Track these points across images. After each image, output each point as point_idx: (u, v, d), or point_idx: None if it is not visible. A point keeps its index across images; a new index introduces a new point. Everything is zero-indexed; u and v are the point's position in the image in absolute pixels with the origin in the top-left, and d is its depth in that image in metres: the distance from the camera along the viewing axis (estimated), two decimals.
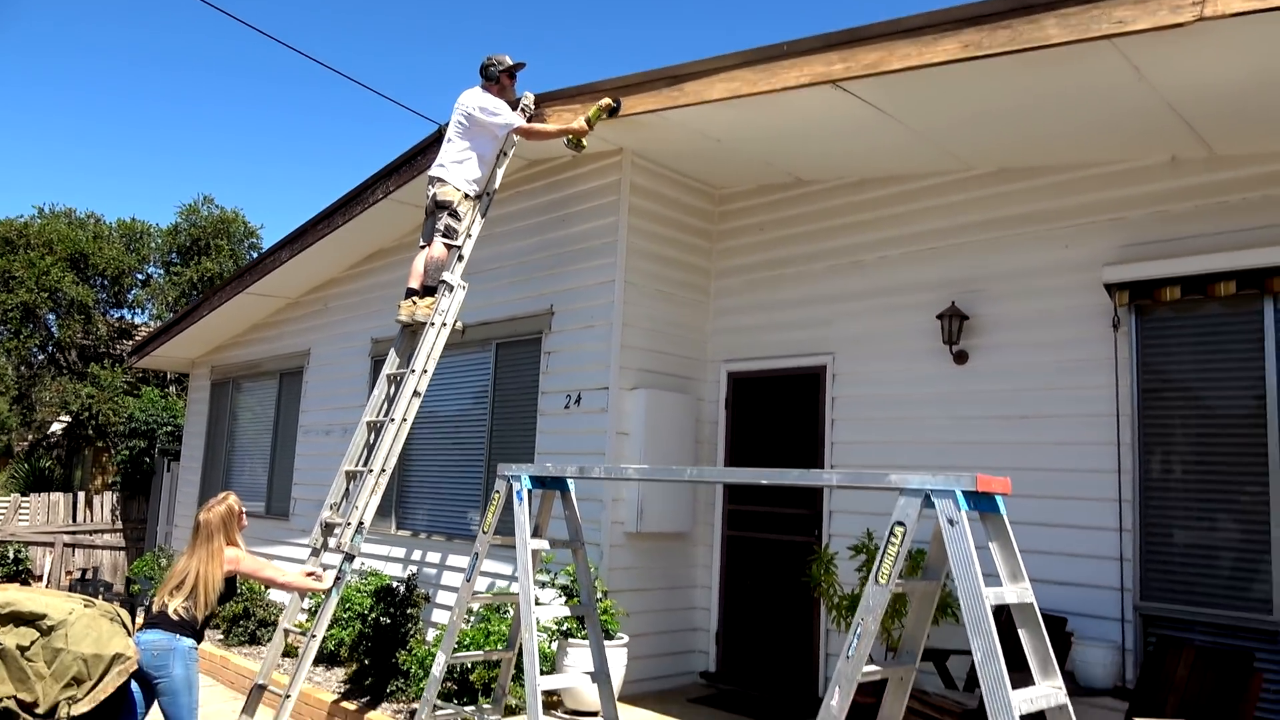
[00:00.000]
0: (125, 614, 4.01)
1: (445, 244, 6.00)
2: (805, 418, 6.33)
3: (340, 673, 6.80)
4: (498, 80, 6.20)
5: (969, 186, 5.74)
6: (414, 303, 6.01)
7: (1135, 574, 4.81)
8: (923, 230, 5.91)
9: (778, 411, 6.55)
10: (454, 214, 6.00)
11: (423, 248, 6.17)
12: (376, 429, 5.83)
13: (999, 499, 3.20)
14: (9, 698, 3.73)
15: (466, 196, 6.08)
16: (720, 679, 6.39)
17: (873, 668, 3.29)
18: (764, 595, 6.36)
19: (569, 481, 4.73)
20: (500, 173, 6.28)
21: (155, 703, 4.44)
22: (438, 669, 4.73)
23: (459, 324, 6.05)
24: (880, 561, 3.21)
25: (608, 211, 6.50)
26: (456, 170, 6.06)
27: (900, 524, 3.17)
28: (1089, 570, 4.93)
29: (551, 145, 6.31)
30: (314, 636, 5.08)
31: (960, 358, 5.60)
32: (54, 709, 3.83)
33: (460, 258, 6.09)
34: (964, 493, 3.05)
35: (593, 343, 6.45)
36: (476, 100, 6.06)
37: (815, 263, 6.44)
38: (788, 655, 6.14)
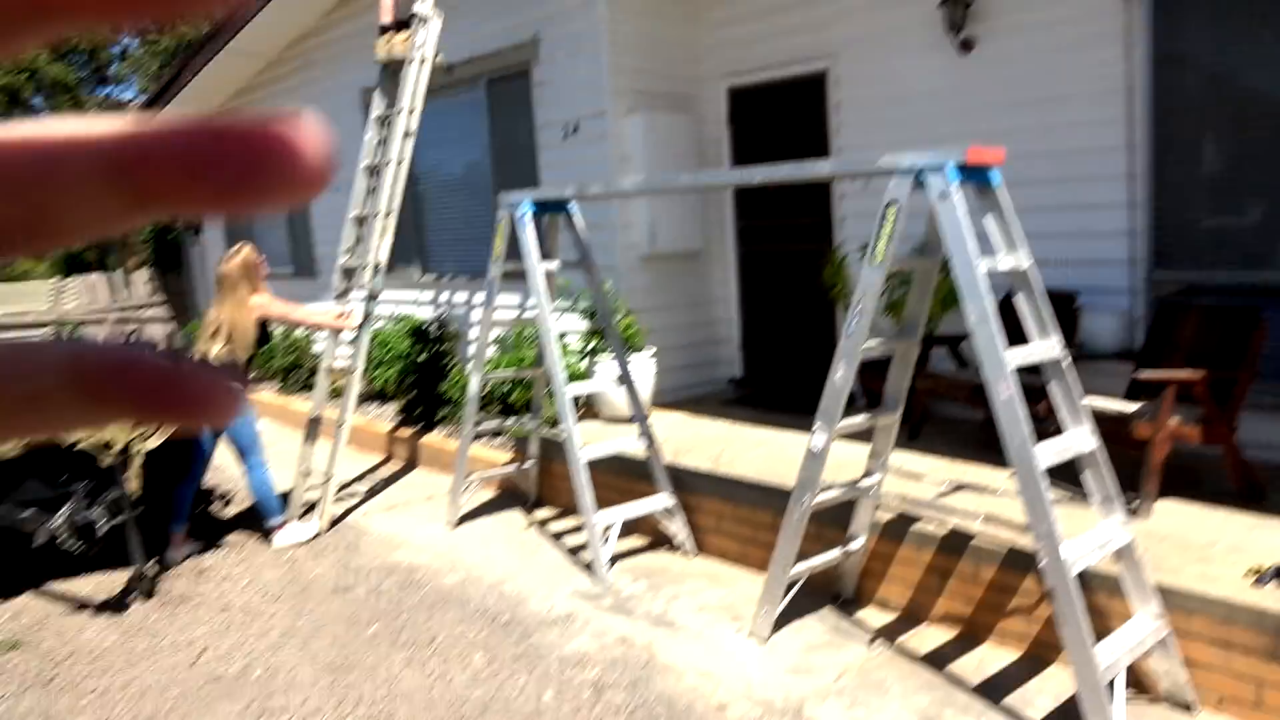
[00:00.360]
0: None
1: None
2: (810, 126, 6.24)
3: (392, 407, 7.28)
4: None
5: None
6: (389, 39, 5.83)
7: (1146, 246, 4.89)
8: None
9: (782, 123, 6.46)
10: None
11: None
12: (375, 171, 5.86)
13: (993, 171, 3.25)
14: (87, 439, 4.11)
15: None
16: (748, 383, 6.78)
17: (873, 342, 3.50)
18: (783, 304, 6.58)
19: (571, 203, 4.82)
20: None
21: (219, 439, 4.86)
22: (473, 388, 5.08)
23: (441, 58, 5.89)
24: (874, 243, 3.34)
25: None
26: None
27: (892, 203, 3.26)
28: (1100, 248, 5.02)
29: None
30: (354, 371, 5.41)
31: (965, 46, 5.42)
32: (127, 446, 4.22)
33: None
34: (955, 166, 3.10)
35: (583, 68, 6.28)
36: None
37: None
38: (810, 355, 6.44)
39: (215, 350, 4.56)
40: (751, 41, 6.42)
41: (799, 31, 6.15)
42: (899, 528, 3.74)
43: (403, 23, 5.79)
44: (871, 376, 4.80)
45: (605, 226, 6.21)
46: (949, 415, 5.29)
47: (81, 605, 4.28)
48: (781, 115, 6.43)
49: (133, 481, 4.26)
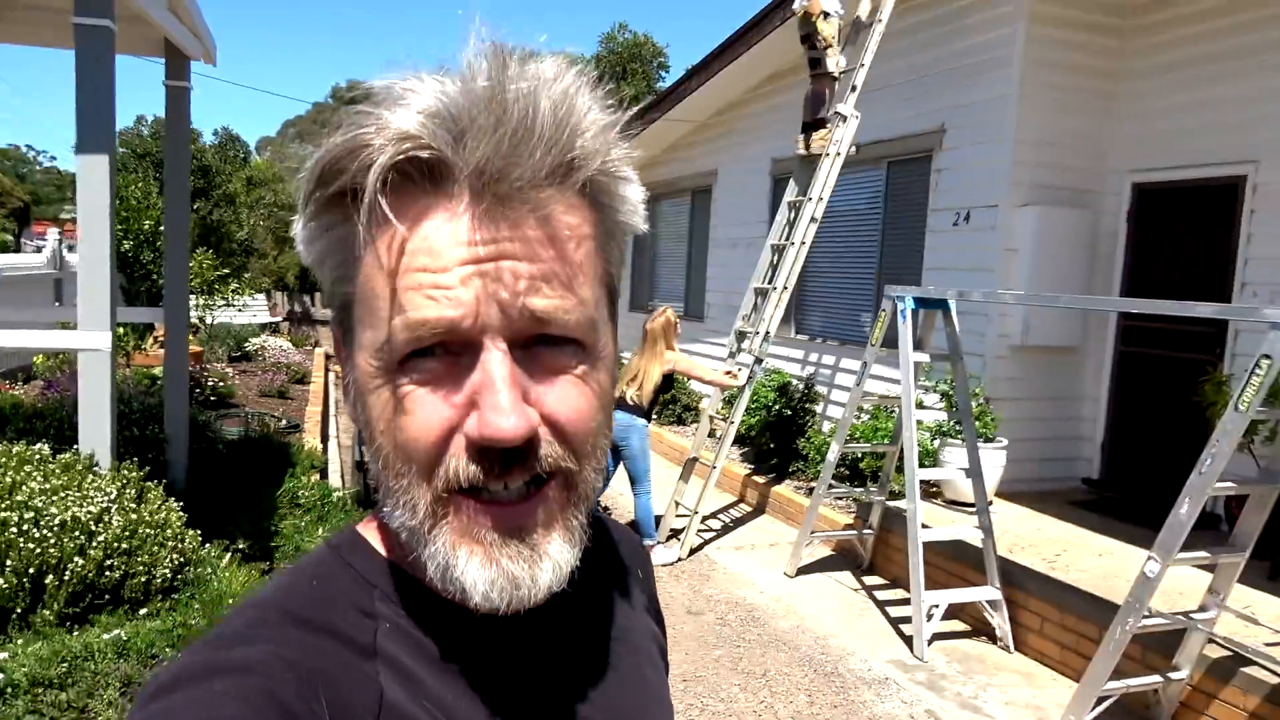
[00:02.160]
0: None
1: (813, 75, 6.46)
2: (1218, 232, 6.02)
3: (749, 451, 8.08)
4: None
5: None
6: (807, 137, 6.59)
7: None
8: None
9: (1186, 225, 6.27)
10: (812, 45, 6.39)
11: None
12: (779, 250, 6.65)
13: None
14: None
15: (824, 15, 6.37)
16: (1102, 486, 6.65)
17: (1226, 484, 3.57)
18: (1156, 411, 6.38)
19: (950, 301, 5.22)
20: None
21: (620, 464, 5.91)
22: (832, 455, 5.66)
23: (853, 147, 6.55)
24: (1243, 390, 3.43)
25: (1005, 21, 6.43)
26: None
27: (1267, 356, 3.35)
28: None
29: None
30: (731, 423, 6.24)
31: None
32: None
33: (853, 87, 6.49)
34: None
35: (984, 159, 6.59)
36: None
37: (1245, 58, 5.86)
38: (1172, 470, 6.19)
39: (630, 393, 5.61)
40: (1166, 136, 6.31)
41: (1217, 132, 5.97)
42: (1228, 667, 3.71)
43: (821, 120, 6.54)
44: (1241, 506, 4.65)
45: (980, 314, 6.49)
46: None
47: None
48: (1188, 217, 6.25)
49: None
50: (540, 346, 0.55)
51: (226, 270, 13.71)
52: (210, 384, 9.02)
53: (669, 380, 5.83)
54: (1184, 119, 6.19)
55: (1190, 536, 3.56)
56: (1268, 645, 3.82)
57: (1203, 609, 3.78)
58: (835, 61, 6.51)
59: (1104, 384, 6.75)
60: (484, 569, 0.55)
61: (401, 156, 0.51)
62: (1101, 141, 6.68)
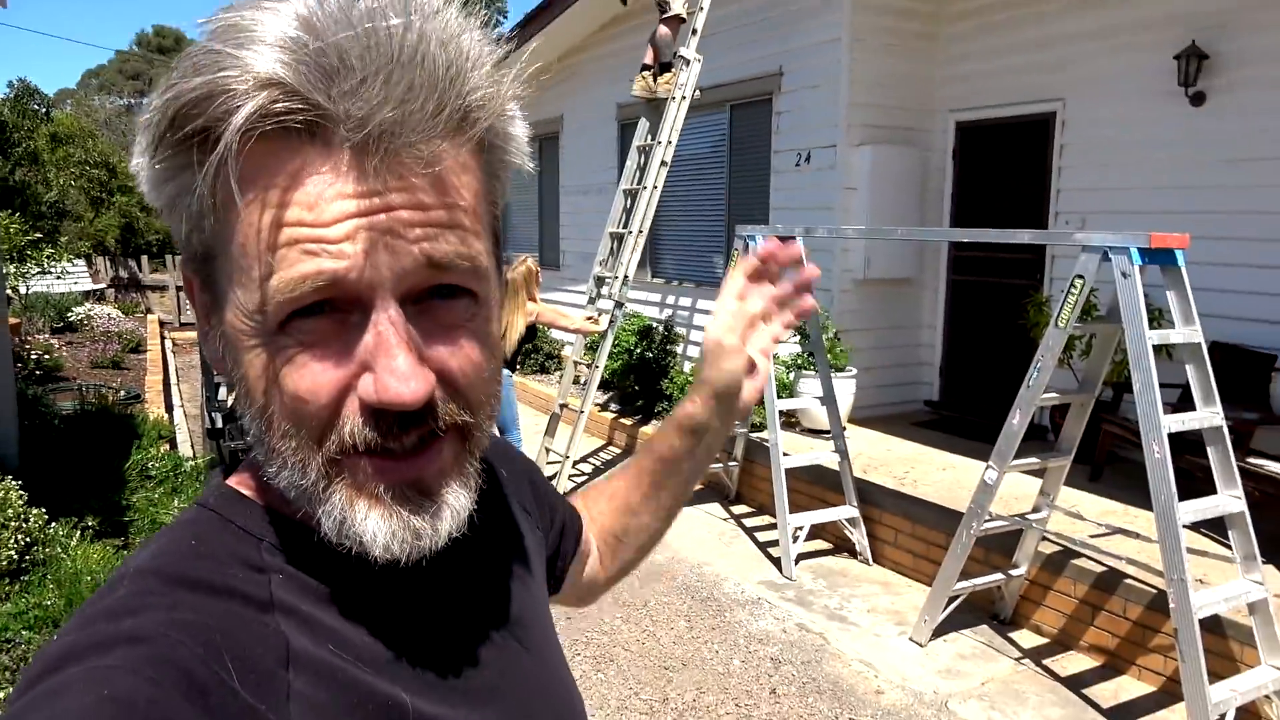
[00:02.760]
0: None
1: (661, 19, 6.52)
2: (1034, 165, 6.50)
3: (615, 395, 8.22)
4: None
5: None
6: (646, 78, 6.65)
7: None
8: None
9: (1005, 160, 6.75)
10: None
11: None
12: (632, 195, 6.72)
13: (1178, 253, 3.60)
14: None
15: None
16: (942, 407, 7.16)
17: (1049, 395, 3.93)
18: (985, 334, 6.90)
19: (798, 239, 5.44)
20: None
21: None
22: None
23: (697, 91, 6.66)
24: (1060, 308, 3.77)
25: None
26: None
27: (1080, 276, 3.69)
28: None
29: None
30: (596, 367, 6.33)
31: (1197, 99, 5.54)
32: None
33: (694, 31, 6.58)
34: (1139, 249, 3.49)
35: (820, 102, 6.85)
36: None
37: (1052, 1, 6.31)
38: (1004, 387, 6.73)
39: None
40: (985, 76, 6.73)
41: (1030, 71, 6.41)
42: (1060, 561, 4.15)
43: (665, 65, 6.60)
44: (1064, 416, 5.13)
45: (824, 250, 6.79)
46: (1136, 460, 5.49)
47: None
48: (1006, 152, 6.72)
49: None
50: (435, 299, 0.53)
51: (38, 235, 12.63)
52: (34, 357, 8.38)
53: (532, 330, 5.85)
54: (999, 60, 6.62)
55: (1022, 446, 3.92)
56: (1092, 538, 4.28)
57: (1036, 510, 4.19)
58: (682, 2, 6.57)
59: (939, 312, 7.23)
60: (384, 522, 0.54)
61: (269, 107, 0.47)
62: (927, 82, 7.06)
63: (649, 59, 6.73)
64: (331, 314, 0.51)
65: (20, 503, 3.85)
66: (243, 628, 0.53)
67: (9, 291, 11.24)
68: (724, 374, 0.87)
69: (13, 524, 3.66)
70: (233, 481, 0.62)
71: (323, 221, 0.49)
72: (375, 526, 0.54)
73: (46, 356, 8.58)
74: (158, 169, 0.51)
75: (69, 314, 12.23)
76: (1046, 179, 6.42)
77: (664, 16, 6.62)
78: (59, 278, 12.78)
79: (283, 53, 0.47)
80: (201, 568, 0.55)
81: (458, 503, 0.56)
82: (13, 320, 10.09)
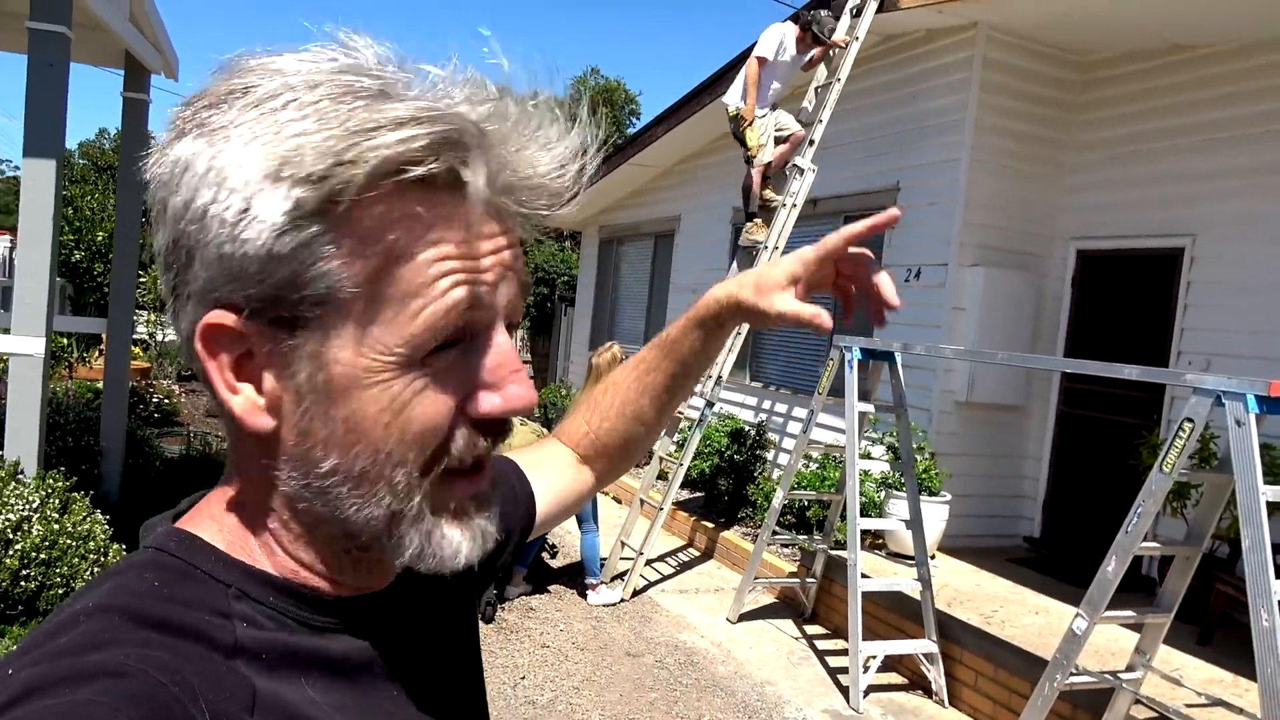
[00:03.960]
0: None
1: (748, 167, 6.68)
2: (1158, 300, 6.20)
3: (700, 496, 8.08)
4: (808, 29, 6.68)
5: None
6: (752, 226, 6.80)
7: None
8: None
9: (1128, 293, 6.46)
10: (738, 137, 6.70)
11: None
12: (752, 256, 6.73)
13: None
14: None
15: (736, 115, 6.70)
16: (1042, 545, 6.73)
17: (1151, 544, 3.63)
18: (1095, 472, 6.50)
19: (896, 354, 5.30)
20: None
21: None
22: (777, 501, 5.67)
23: (811, 202, 6.70)
24: (1166, 452, 3.51)
25: (958, 88, 6.63)
26: (731, 93, 6.82)
27: (1189, 420, 3.44)
28: None
29: (904, 20, 6.58)
30: (681, 465, 6.24)
31: None
32: None
33: (811, 142, 6.64)
34: (1257, 397, 3.23)
35: (935, 220, 6.74)
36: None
37: (1186, 136, 6.10)
38: (1109, 531, 6.30)
39: None
40: (1111, 208, 6.51)
41: (1160, 205, 6.18)
42: None
43: (749, 214, 6.75)
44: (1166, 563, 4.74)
45: (927, 369, 6.59)
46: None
47: None
48: (1129, 285, 6.44)
49: None
50: None
51: None
52: (155, 401, 8.85)
53: None
54: (1126, 192, 6.41)
55: (1123, 597, 3.62)
56: (1189, 707, 3.87)
57: (1130, 669, 3.83)
58: (759, 163, 6.71)
59: (1046, 443, 6.87)
60: (464, 535, 0.59)
61: (428, 168, 0.52)
62: (1048, 208, 6.88)
63: (754, 207, 6.87)
64: (458, 345, 0.56)
65: (104, 537, 3.98)
66: (211, 671, 0.51)
67: (145, 336, 12.00)
68: (764, 302, 0.92)
69: (91, 556, 3.78)
70: (184, 526, 0.61)
71: (474, 255, 0.55)
72: (457, 539, 0.58)
73: (166, 401, 9.05)
74: (288, 214, 0.51)
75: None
76: (1171, 315, 6.10)
77: (747, 158, 6.77)
78: None
79: (438, 122, 0.52)
80: (167, 609, 0.53)
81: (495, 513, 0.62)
82: (144, 364, 10.74)
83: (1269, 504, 3.09)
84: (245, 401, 0.56)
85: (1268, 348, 5.45)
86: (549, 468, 1.03)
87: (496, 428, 0.59)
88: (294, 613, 0.59)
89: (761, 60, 6.59)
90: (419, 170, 0.51)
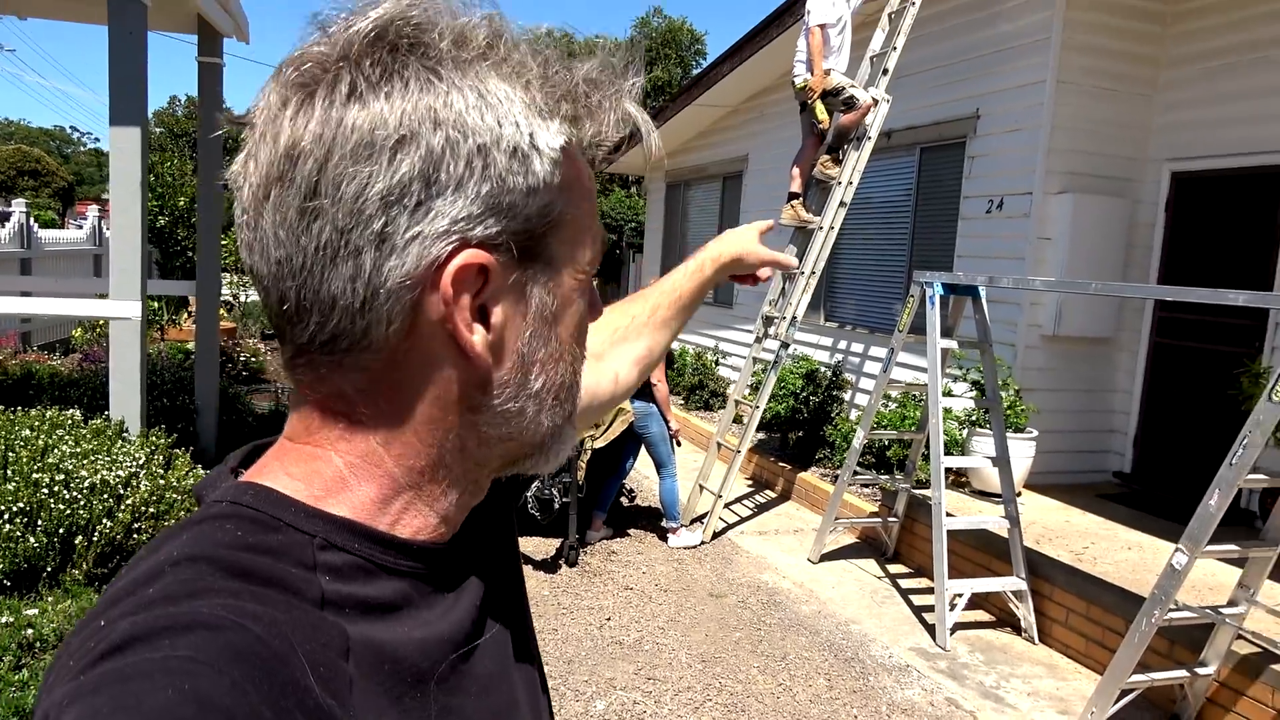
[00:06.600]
0: None
1: (811, 138, 6.54)
2: (1261, 223, 5.88)
3: (776, 437, 8.05)
4: None
5: None
6: (796, 207, 6.54)
7: None
8: None
9: (1228, 215, 6.14)
10: (806, 108, 6.39)
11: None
12: (808, 233, 6.59)
13: None
14: None
15: (804, 87, 6.34)
16: (1133, 480, 6.54)
17: (1258, 476, 3.49)
18: (1190, 404, 6.26)
19: (980, 288, 5.15)
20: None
21: (639, 450, 5.92)
22: (858, 441, 5.62)
23: (885, 134, 6.48)
24: (1276, 380, 3.36)
25: (1042, 5, 6.31)
26: (797, 64, 6.43)
27: None
28: None
29: None
30: (757, 408, 6.21)
31: None
32: (582, 441, 5.37)
33: (885, 70, 6.42)
34: None
35: (1019, 147, 6.49)
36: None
37: None
38: (1205, 465, 6.08)
39: (651, 378, 5.60)
40: (1209, 125, 6.16)
41: (1259, 121, 5.82)
42: (1258, 664, 3.65)
43: (792, 194, 6.51)
44: (1275, 501, 4.56)
45: (1012, 302, 6.40)
46: None
47: (525, 560, 5.52)
48: (1229, 207, 6.12)
49: (580, 470, 5.44)
50: None
51: None
52: (242, 360, 9.14)
53: (669, 359, 5.84)
54: (1224, 108, 6.05)
55: (1222, 531, 3.50)
56: None
57: (1232, 604, 3.72)
58: (830, 133, 6.43)
59: (1138, 376, 6.64)
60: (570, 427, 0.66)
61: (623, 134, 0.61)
62: (1139, 129, 6.55)
63: (795, 186, 6.62)
64: None
65: None
66: (304, 619, 0.50)
67: (229, 298, 12.36)
68: (755, 254, 1.23)
69: (187, 502, 3.93)
70: (256, 479, 0.58)
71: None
72: (571, 431, 0.65)
73: (254, 359, 9.33)
74: (561, 154, 0.57)
75: None
76: (1275, 237, 5.79)
77: (815, 129, 6.47)
78: None
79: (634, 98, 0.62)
80: (252, 559, 0.52)
81: None
82: (229, 325, 11.09)
83: None
84: (481, 339, 0.57)
85: None
86: None
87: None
88: (380, 559, 0.57)
89: (823, 26, 6.28)
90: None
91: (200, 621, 0.45)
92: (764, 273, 1.24)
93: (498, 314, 0.57)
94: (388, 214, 0.52)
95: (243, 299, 13.08)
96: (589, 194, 0.62)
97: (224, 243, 11.21)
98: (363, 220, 0.52)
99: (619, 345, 1.13)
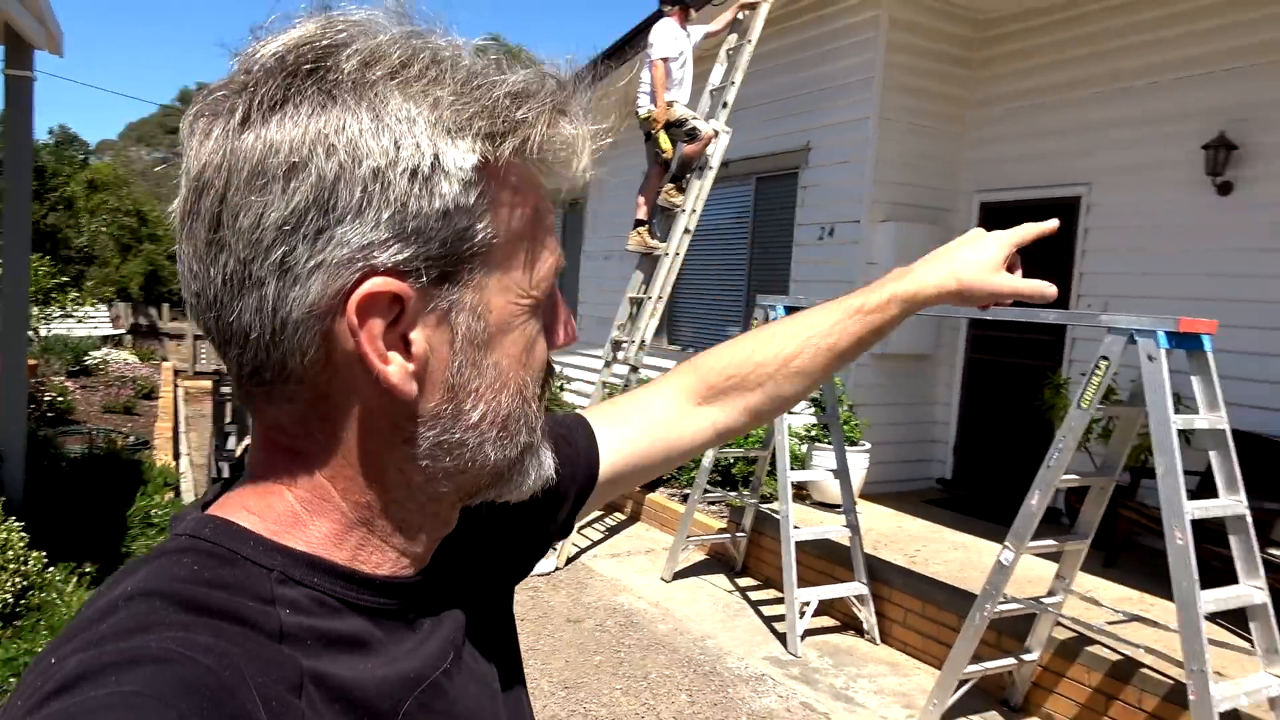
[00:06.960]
0: None
1: (655, 167, 6.69)
2: (1058, 248, 6.48)
3: None
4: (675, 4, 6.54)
5: (1250, 5, 5.44)
6: (642, 234, 6.74)
7: None
8: (1197, 54, 5.70)
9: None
10: (650, 139, 6.59)
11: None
12: (654, 259, 6.74)
13: (1205, 338, 3.54)
14: None
15: (648, 118, 6.54)
16: (954, 485, 7.04)
17: (1070, 476, 3.84)
18: (1001, 414, 6.81)
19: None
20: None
21: None
22: (706, 460, 5.77)
23: (724, 163, 6.73)
24: (1084, 389, 3.71)
25: (865, 48, 6.76)
26: (643, 97, 6.61)
27: (1105, 358, 3.63)
28: None
29: None
30: None
31: (1224, 189, 5.54)
32: None
33: (725, 104, 6.68)
34: (1166, 333, 3.43)
35: (846, 178, 6.90)
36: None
37: (1079, 89, 6.37)
38: (1017, 468, 6.63)
39: None
40: (1011, 160, 6.78)
41: (1056, 156, 6.45)
42: (1074, 647, 4.00)
43: (639, 220, 6.71)
44: (1080, 499, 5.02)
45: None
46: (1153, 546, 5.35)
47: None
48: None
49: None
50: None
51: (65, 278, 12.81)
52: (48, 399, 8.40)
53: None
54: (1025, 145, 6.67)
55: (1037, 528, 3.81)
56: (1109, 624, 4.13)
57: (1051, 594, 4.06)
58: (675, 162, 6.59)
59: (955, 389, 7.16)
60: (548, 452, 0.64)
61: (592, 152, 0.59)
62: (952, 163, 7.11)
63: (641, 213, 6.80)
64: None
65: (21, 545, 3.79)
66: (257, 653, 0.49)
67: (29, 333, 11.35)
68: (991, 284, 0.98)
69: (11, 566, 3.59)
70: (217, 512, 0.58)
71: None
72: (548, 457, 0.63)
73: (60, 399, 8.60)
74: (475, 172, 0.54)
75: (86, 358, 12.21)
76: (1070, 262, 6.40)
77: (658, 158, 6.64)
78: (80, 321, 12.91)
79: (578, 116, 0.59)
80: (207, 593, 0.51)
81: None
82: (31, 361, 10.17)
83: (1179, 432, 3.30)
84: (399, 369, 0.54)
85: (1159, 288, 5.78)
86: (636, 420, 0.95)
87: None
88: (341, 594, 0.56)
89: (666, 60, 6.48)
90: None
91: (149, 655, 0.45)
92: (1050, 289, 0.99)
93: (419, 343, 0.54)
94: (287, 243, 0.51)
95: (44, 332, 12.04)
96: (534, 211, 0.57)
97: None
98: (262, 250, 0.51)
99: (728, 393, 0.97)
